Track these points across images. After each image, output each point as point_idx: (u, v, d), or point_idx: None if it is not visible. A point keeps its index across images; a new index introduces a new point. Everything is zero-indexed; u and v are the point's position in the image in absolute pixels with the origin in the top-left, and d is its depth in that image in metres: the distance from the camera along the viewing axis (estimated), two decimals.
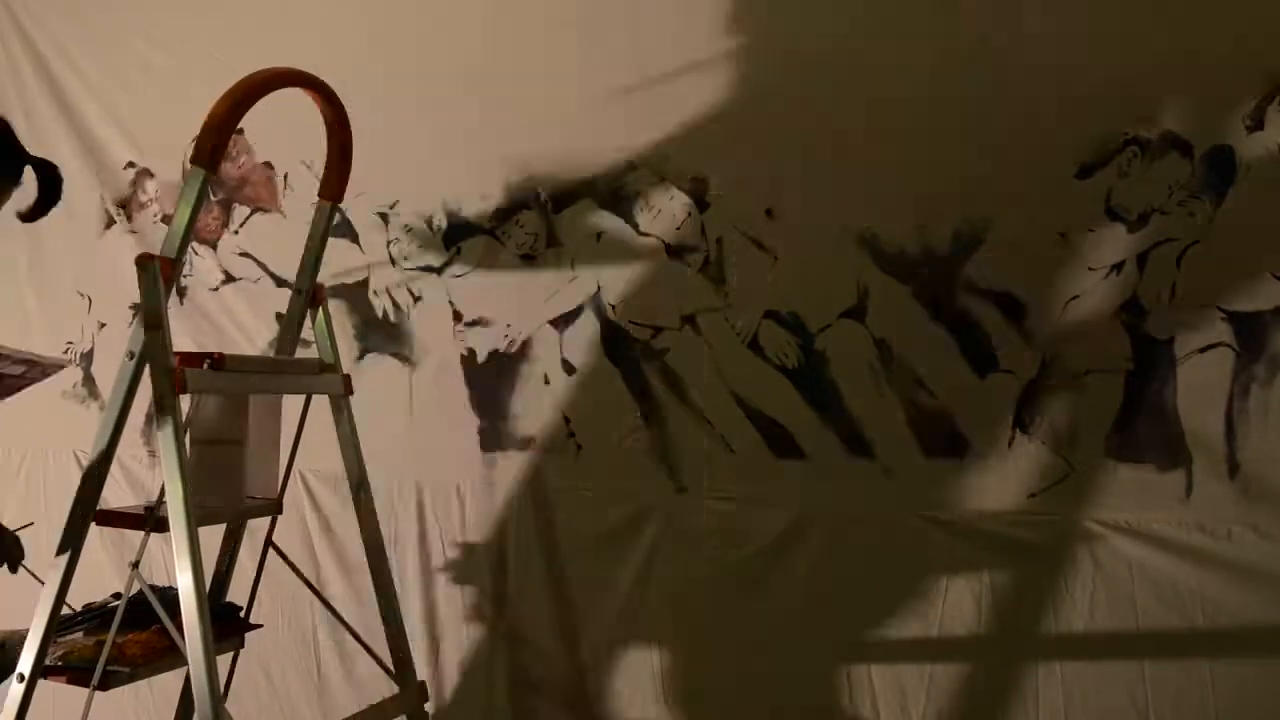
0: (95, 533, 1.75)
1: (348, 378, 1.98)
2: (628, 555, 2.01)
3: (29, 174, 1.74)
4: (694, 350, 1.98)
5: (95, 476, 1.69)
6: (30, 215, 1.76)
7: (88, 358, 2.65)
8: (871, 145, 1.85)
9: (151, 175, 2.56)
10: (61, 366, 2.03)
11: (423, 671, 2.12)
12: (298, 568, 1.97)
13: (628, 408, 2.03)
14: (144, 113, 2.56)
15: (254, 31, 2.41)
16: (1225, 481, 1.63)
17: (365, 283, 2.29)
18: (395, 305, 2.26)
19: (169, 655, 1.83)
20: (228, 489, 1.90)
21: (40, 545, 2.24)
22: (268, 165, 2.41)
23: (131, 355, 1.69)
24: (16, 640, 1.81)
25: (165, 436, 1.59)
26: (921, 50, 1.82)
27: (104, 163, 2.61)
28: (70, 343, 2.67)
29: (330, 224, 2.02)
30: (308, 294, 1.99)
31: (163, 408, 1.59)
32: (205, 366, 1.70)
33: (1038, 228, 1.74)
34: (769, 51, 1.93)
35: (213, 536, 1.99)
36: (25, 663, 1.69)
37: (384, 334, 2.27)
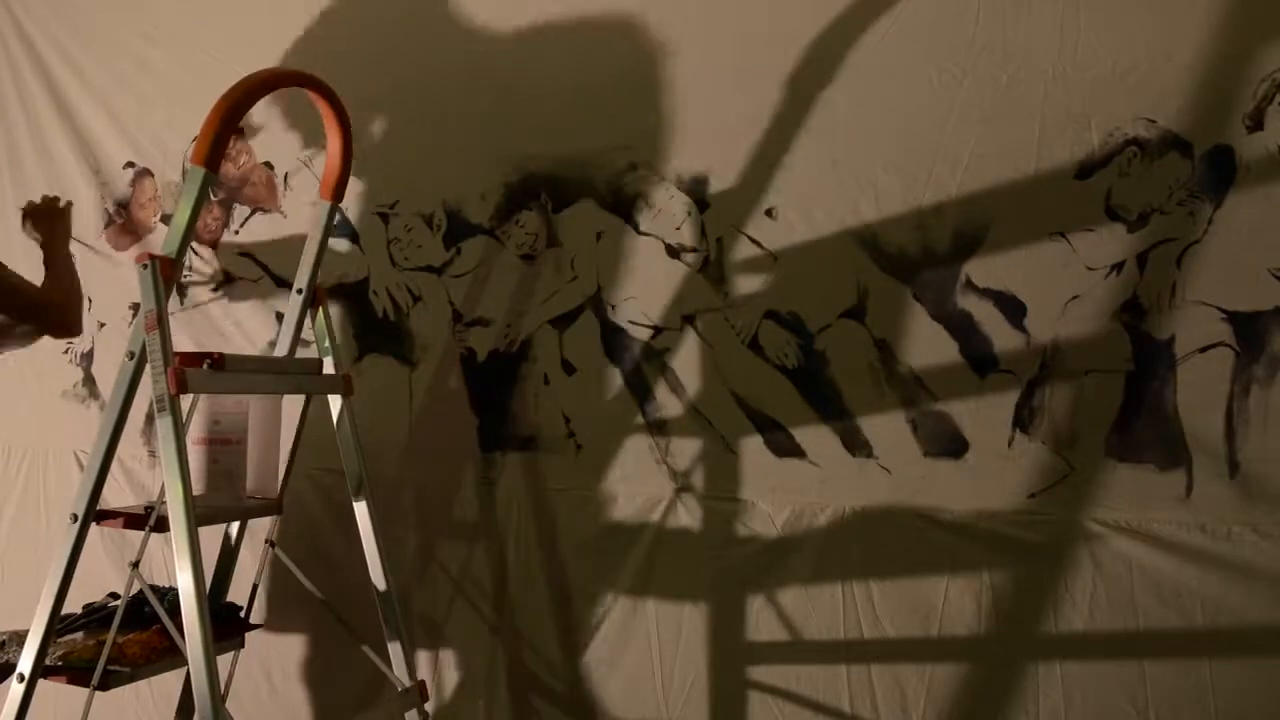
0: (95, 533, 1.75)
1: (348, 378, 1.98)
2: (628, 555, 2.01)
3: None
4: (694, 350, 1.99)
5: (95, 476, 1.69)
6: None
7: (88, 358, 2.65)
8: (871, 145, 1.85)
9: (151, 175, 2.56)
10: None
11: (423, 671, 2.13)
12: (297, 568, 1.98)
13: (628, 408, 2.03)
14: (143, 113, 2.56)
15: (254, 31, 2.41)
16: (1225, 481, 1.63)
17: (365, 283, 2.29)
18: (395, 305, 2.26)
19: (169, 655, 1.84)
20: (228, 489, 1.91)
21: (40, 545, 2.25)
22: (268, 165, 2.41)
23: (131, 355, 1.69)
24: (16, 640, 1.81)
25: (165, 436, 1.59)
26: (914, 50, 1.82)
27: (103, 163, 2.61)
28: (70, 342, 2.67)
29: (330, 224, 2.02)
30: (308, 294, 1.99)
31: (163, 408, 1.59)
32: (205, 366, 1.70)
33: (1038, 228, 1.74)
34: (770, 50, 1.93)
35: (213, 536, 1.99)
36: (25, 663, 1.69)
37: (384, 334, 2.27)
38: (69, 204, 2.21)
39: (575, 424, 2.08)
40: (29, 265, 2.10)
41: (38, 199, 2.18)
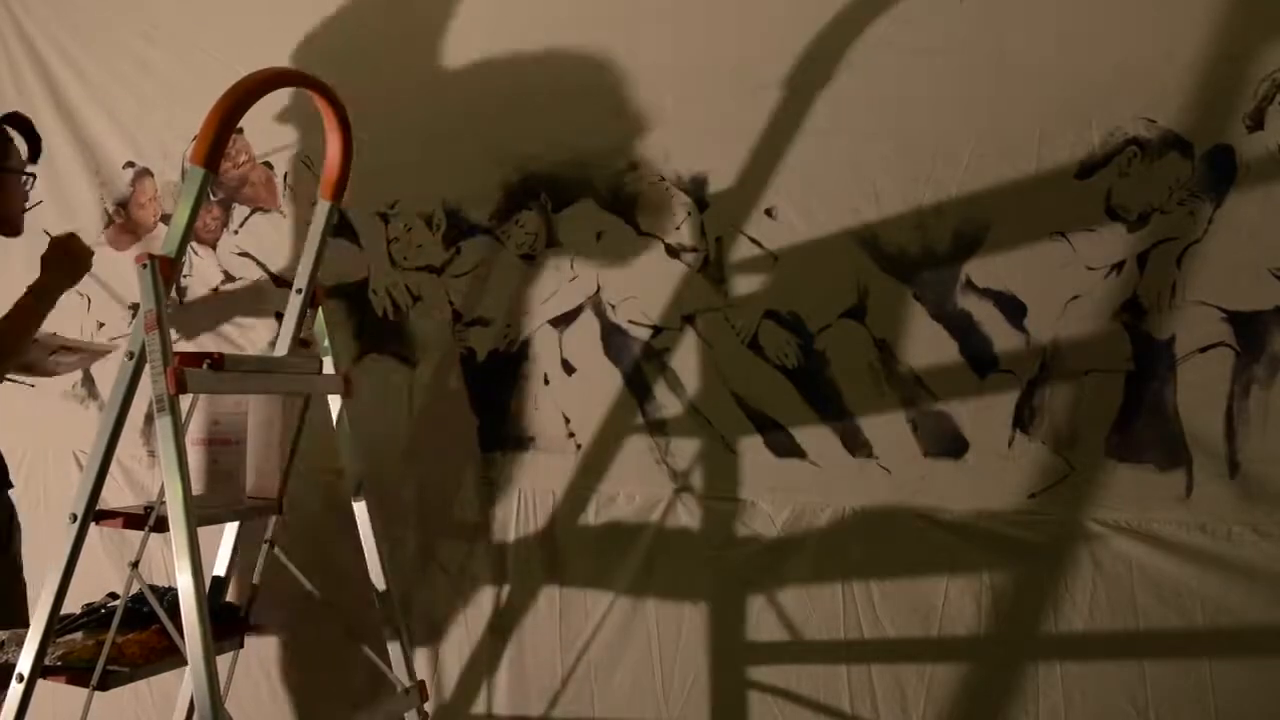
0: (95, 533, 1.75)
1: (348, 378, 1.98)
2: (628, 555, 2.01)
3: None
4: (694, 350, 1.99)
5: (95, 476, 1.69)
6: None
7: None
8: (871, 145, 1.85)
9: (151, 175, 2.56)
10: (108, 352, 2.36)
11: (423, 671, 2.13)
12: (297, 568, 1.97)
13: (628, 408, 2.03)
14: (143, 113, 2.56)
15: (254, 31, 2.41)
16: (1225, 481, 1.63)
17: (365, 283, 2.29)
18: (395, 305, 2.26)
19: (168, 655, 1.84)
20: (227, 489, 1.91)
21: (41, 545, 2.25)
22: (268, 165, 2.41)
23: (131, 355, 1.69)
24: (16, 640, 1.81)
25: (165, 436, 1.59)
26: (914, 50, 1.82)
27: (103, 163, 2.61)
28: None
29: (330, 224, 2.02)
30: (308, 294, 1.99)
31: (162, 408, 1.59)
32: (205, 366, 1.70)
33: (1038, 228, 1.74)
34: (770, 50, 1.93)
35: (213, 536, 1.99)
36: (25, 663, 1.69)
37: (384, 334, 2.27)
38: (78, 258, 2.08)
39: (575, 424, 2.08)
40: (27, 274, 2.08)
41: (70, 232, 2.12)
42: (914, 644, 1.81)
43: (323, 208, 2.01)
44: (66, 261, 2.05)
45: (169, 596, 1.76)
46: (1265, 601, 1.59)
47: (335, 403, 1.96)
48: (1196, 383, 1.65)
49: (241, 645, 2.07)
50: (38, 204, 2.17)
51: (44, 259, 2.04)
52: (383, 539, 1.94)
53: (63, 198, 2.65)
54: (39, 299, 1.99)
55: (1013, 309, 1.76)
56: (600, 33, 2.07)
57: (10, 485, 2.15)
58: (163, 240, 1.73)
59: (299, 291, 2.00)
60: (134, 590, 1.75)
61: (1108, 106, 1.70)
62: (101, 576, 2.38)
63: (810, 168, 1.90)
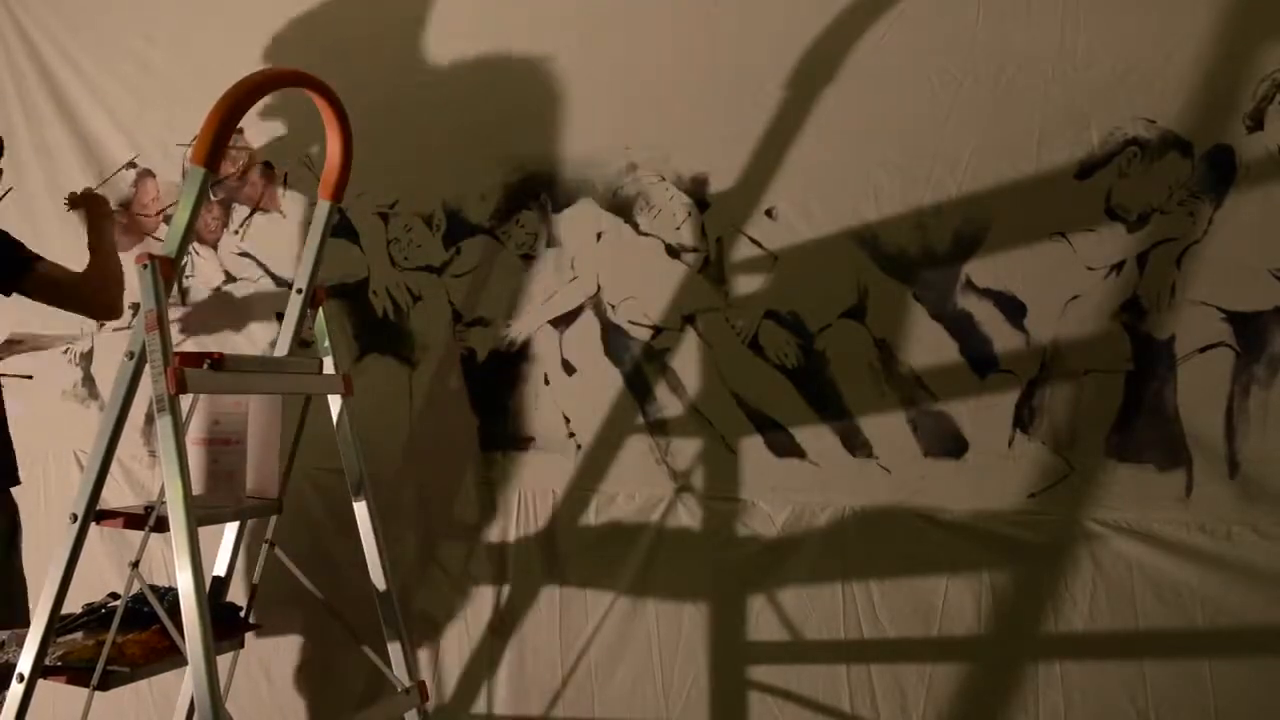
0: (95, 533, 1.75)
1: (348, 378, 1.98)
2: (628, 555, 2.01)
3: None
4: (694, 350, 1.99)
5: (95, 476, 1.69)
6: None
7: (87, 358, 2.65)
8: (871, 145, 1.85)
9: (153, 175, 2.56)
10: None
11: (423, 671, 2.13)
12: (297, 568, 1.97)
13: (628, 408, 2.03)
14: (143, 113, 2.56)
15: (254, 32, 2.41)
16: (1225, 481, 1.63)
17: (365, 283, 2.29)
18: (395, 305, 2.26)
19: (169, 655, 1.84)
20: (228, 489, 1.91)
21: (41, 545, 2.25)
22: (268, 165, 2.41)
23: (131, 355, 1.69)
24: (16, 640, 1.81)
25: (165, 436, 1.59)
26: (915, 50, 1.82)
27: (104, 162, 2.61)
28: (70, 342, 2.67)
29: (330, 224, 2.02)
30: (308, 294, 1.99)
31: (162, 408, 1.59)
32: (205, 366, 1.70)
33: (1038, 228, 1.74)
34: (770, 50, 1.93)
35: (213, 536, 1.99)
36: (25, 663, 1.69)
37: (384, 334, 2.27)
38: (103, 196, 2.46)
39: (575, 424, 2.08)
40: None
41: (79, 190, 2.47)
42: (914, 644, 1.81)
43: (323, 208, 2.01)
44: (104, 209, 2.40)
45: (169, 596, 1.76)
46: (1265, 601, 1.59)
47: (335, 403, 1.96)
48: (1196, 383, 1.65)
49: (241, 645, 2.07)
50: (8, 190, 2.39)
51: (91, 214, 2.36)
52: (383, 539, 1.94)
53: (63, 196, 2.64)
54: (108, 243, 2.32)
55: (1013, 309, 1.76)
56: (601, 33, 2.08)
57: (18, 482, 2.17)
58: (164, 240, 1.74)
59: (299, 291, 2.00)
60: (134, 590, 1.75)
61: (1108, 106, 1.70)
62: (101, 576, 2.38)
63: (810, 168, 1.90)
